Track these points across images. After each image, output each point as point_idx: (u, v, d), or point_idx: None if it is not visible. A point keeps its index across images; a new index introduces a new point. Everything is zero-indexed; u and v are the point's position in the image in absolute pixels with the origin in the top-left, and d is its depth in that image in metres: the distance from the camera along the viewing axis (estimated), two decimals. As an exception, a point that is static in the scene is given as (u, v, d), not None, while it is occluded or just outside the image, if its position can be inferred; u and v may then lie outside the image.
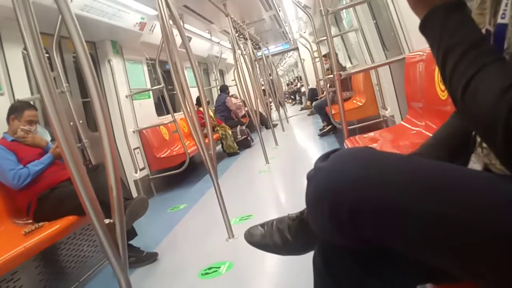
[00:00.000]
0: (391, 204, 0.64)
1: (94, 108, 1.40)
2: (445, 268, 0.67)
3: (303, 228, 1.03)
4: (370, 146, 1.44)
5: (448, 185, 0.64)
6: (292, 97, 18.41)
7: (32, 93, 3.17)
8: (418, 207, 0.63)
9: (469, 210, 0.61)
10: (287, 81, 24.37)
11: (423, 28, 0.72)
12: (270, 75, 9.94)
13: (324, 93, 6.07)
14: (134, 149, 4.59)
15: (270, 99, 8.89)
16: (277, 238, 1.06)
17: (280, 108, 9.37)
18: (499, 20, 0.69)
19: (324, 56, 6.06)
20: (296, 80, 18.63)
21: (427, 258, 0.67)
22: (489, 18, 0.75)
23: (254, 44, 8.46)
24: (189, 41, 6.33)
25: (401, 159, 0.71)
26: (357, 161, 0.70)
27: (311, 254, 0.87)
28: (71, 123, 3.26)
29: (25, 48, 1.31)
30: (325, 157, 0.77)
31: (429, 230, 0.63)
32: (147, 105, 5.16)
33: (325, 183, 0.70)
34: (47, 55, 3.15)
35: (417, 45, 3.01)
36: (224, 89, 7.98)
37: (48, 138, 2.88)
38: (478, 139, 0.81)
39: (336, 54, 6.25)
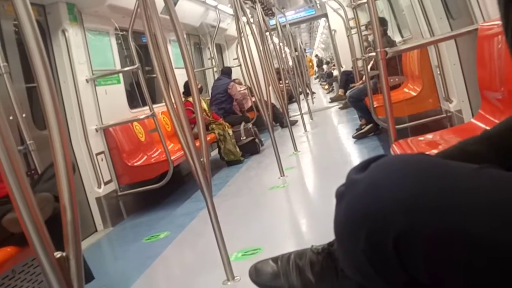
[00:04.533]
0: (457, 233, 0.64)
1: (42, 97, 1.41)
2: None
3: (330, 266, 1.03)
4: (426, 153, 1.44)
5: None
6: (328, 81, 18.61)
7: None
8: (495, 238, 0.63)
9: None
10: (327, 59, 25.45)
11: None
12: (295, 51, 9.95)
13: (363, 78, 6.06)
14: (97, 154, 4.61)
15: (287, 85, 8.88)
16: (295, 279, 1.07)
17: (303, 98, 9.37)
18: None
19: (365, 26, 6.04)
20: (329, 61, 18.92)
21: None
22: None
23: (265, 8, 8.48)
24: (175, 4, 6.37)
25: (471, 170, 0.70)
26: (409, 172, 0.70)
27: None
28: (11, 117, 3.29)
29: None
30: (363, 167, 0.77)
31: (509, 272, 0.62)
32: (116, 93, 5.19)
33: (362, 202, 0.70)
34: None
35: (495, 11, 2.99)
36: (227, 71, 8.06)
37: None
38: None
39: (386, 22, 6.26)
